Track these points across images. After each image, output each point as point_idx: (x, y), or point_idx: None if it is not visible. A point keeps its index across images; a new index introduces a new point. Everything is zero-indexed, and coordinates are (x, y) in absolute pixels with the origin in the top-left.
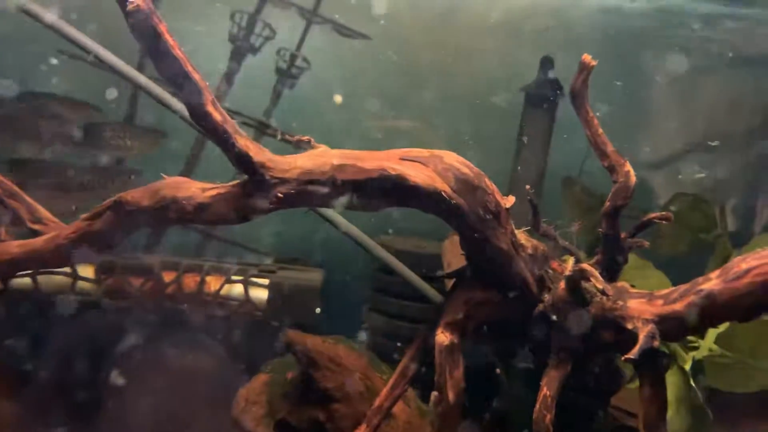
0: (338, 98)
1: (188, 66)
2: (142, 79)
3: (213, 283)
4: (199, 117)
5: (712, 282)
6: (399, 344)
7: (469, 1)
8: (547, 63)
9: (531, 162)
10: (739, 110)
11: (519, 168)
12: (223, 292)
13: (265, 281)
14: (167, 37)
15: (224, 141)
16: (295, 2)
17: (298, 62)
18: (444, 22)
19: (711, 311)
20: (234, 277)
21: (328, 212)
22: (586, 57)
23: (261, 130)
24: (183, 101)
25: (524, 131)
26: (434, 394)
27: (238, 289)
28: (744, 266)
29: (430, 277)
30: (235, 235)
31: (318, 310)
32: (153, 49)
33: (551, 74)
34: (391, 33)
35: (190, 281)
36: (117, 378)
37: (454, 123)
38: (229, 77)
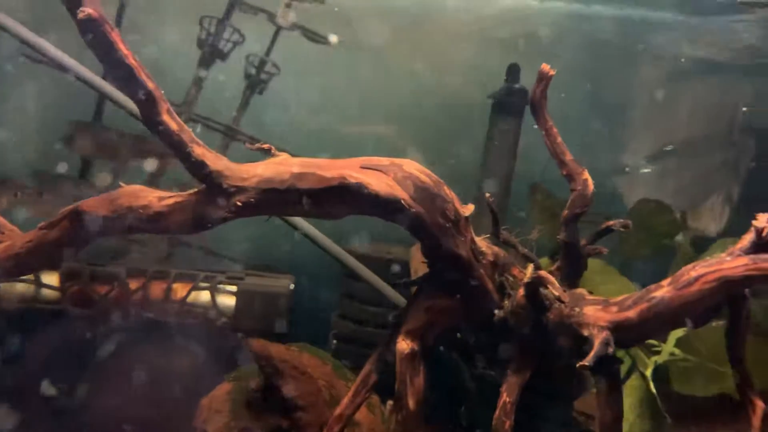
0: (334, 38)
1: (142, 74)
2: (105, 85)
3: (180, 290)
4: (154, 126)
5: (663, 289)
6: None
7: (440, 8)
8: (514, 70)
9: (498, 169)
10: (704, 116)
11: (487, 174)
12: (190, 299)
13: (233, 288)
14: (120, 45)
15: (180, 150)
16: (264, 8)
17: (268, 67)
18: (416, 29)
19: (663, 318)
20: (201, 284)
21: (294, 218)
22: (545, 67)
23: (230, 135)
24: (138, 110)
25: (492, 138)
26: (389, 403)
27: (205, 296)
28: (693, 274)
29: (394, 284)
30: (206, 243)
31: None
32: (105, 57)
33: (518, 82)
34: (364, 39)
35: (157, 289)
36: (78, 388)
37: (424, 129)
38: (197, 83)
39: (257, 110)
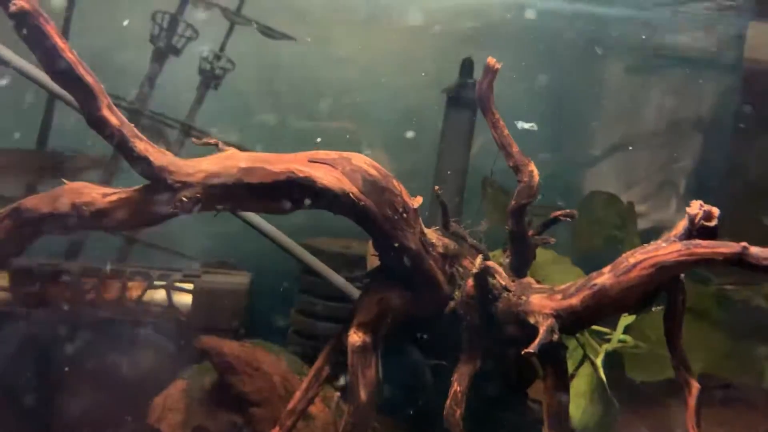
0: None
1: (80, 69)
2: (47, 79)
3: (135, 289)
4: (94, 122)
5: (604, 276)
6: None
7: (394, 3)
8: (467, 65)
9: (453, 162)
10: (660, 112)
11: (441, 169)
12: (145, 298)
13: (190, 286)
14: (57, 39)
15: (122, 145)
16: (218, 3)
17: (222, 63)
18: (370, 25)
19: (604, 304)
20: (157, 283)
21: (248, 214)
22: (491, 60)
23: (185, 132)
24: (77, 105)
25: (446, 133)
26: (337, 394)
27: (161, 294)
28: (632, 260)
29: (350, 278)
30: (161, 239)
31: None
32: (41, 51)
33: (472, 76)
34: (318, 35)
35: (112, 287)
36: (36, 387)
37: (380, 125)
38: (150, 79)
39: (214, 106)
